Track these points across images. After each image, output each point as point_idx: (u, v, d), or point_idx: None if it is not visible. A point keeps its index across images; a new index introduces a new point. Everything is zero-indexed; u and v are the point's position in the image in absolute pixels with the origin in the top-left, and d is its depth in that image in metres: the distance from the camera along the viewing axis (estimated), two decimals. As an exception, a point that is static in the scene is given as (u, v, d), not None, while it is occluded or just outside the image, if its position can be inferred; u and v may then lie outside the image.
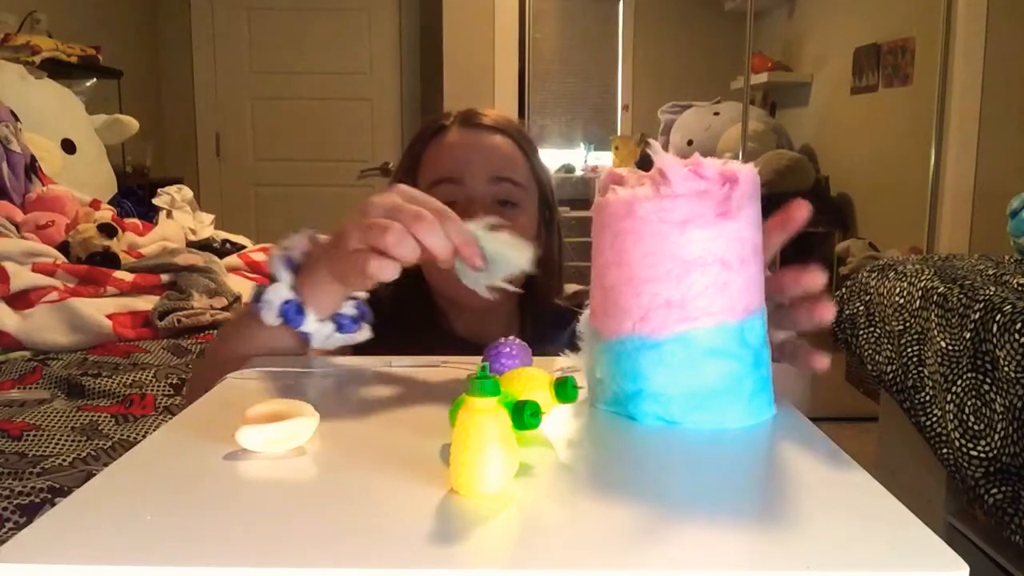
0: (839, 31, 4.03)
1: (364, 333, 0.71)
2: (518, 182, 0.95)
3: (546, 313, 1.00)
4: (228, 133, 4.04)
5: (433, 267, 0.85)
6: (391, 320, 0.94)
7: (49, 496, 0.81)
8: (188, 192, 2.35)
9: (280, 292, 0.67)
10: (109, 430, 1.09)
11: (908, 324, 1.59)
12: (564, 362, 0.63)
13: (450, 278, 0.89)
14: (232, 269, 1.88)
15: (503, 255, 0.64)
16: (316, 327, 0.67)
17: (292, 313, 0.66)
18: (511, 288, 0.66)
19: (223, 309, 1.63)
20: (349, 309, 0.70)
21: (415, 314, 0.97)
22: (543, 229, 1.01)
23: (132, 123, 2.64)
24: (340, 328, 0.68)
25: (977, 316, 1.37)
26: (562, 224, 1.04)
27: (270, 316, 0.66)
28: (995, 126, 3.16)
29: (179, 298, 1.61)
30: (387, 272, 0.61)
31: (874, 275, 1.80)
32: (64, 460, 0.97)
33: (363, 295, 0.72)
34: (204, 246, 2.04)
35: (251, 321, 0.69)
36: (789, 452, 0.50)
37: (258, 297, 0.67)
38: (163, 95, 4.00)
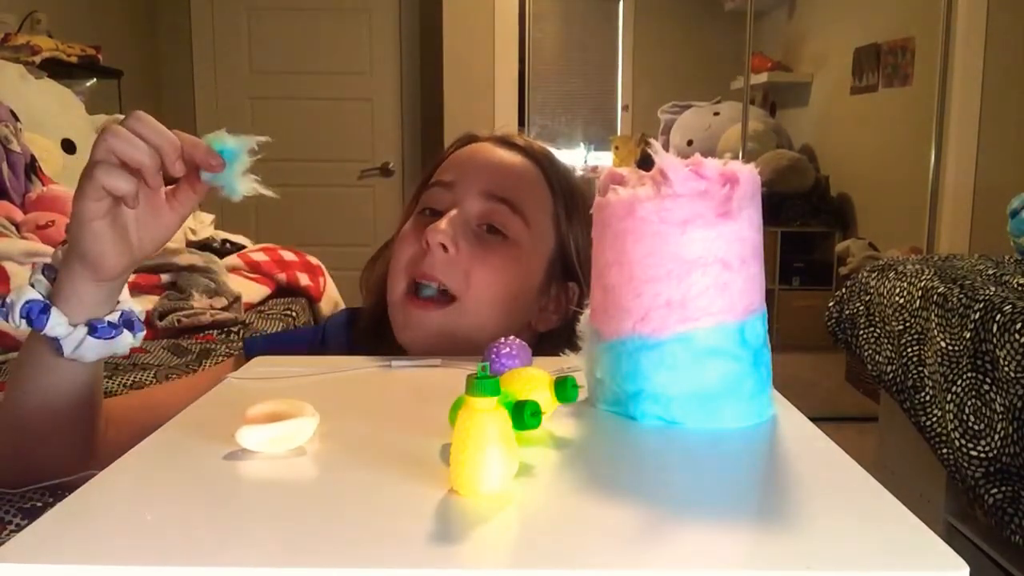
0: (839, 31, 4.03)
1: (126, 340, 0.64)
2: (518, 209, 0.78)
3: None
4: (228, 133, 4.03)
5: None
6: (365, 345, 0.84)
7: (51, 500, 0.81)
8: (188, 192, 2.34)
9: (24, 293, 0.61)
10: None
11: (908, 324, 1.59)
12: (564, 362, 0.63)
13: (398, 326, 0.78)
14: (232, 269, 1.88)
15: (234, 151, 0.64)
16: (65, 331, 0.60)
17: (35, 313, 0.60)
18: (264, 191, 0.66)
19: (223, 309, 1.62)
20: (112, 316, 0.64)
21: (389, 345, 0.82)
22: (549, 295, 0.82)
23: (132, 123, 2.63)
24: (94, 332, 0.62)
25: (977, 316, 1.37)
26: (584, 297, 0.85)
27: (13, 318, 0.60)
28: (995, 126, 3.15)
29: (179, 298, 1.61)
30: (119, 181, 0.58)
31: (874, 275, 1.80)
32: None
33: (136, 307, 0.67)
34: (204, 246, 2.03)
35: (28, 349, 0.64)
36: (789, 452, 0.50)
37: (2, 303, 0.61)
38: (163, 95, 4.00)
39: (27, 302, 0.60)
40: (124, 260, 0.63)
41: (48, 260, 0.64)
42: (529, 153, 0.82)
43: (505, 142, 0.83)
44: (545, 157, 0.83)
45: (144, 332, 0.67)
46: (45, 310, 0.60)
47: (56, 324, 0.60)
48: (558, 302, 0.83)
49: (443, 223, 0.76)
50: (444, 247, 0.75)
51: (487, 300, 0.76)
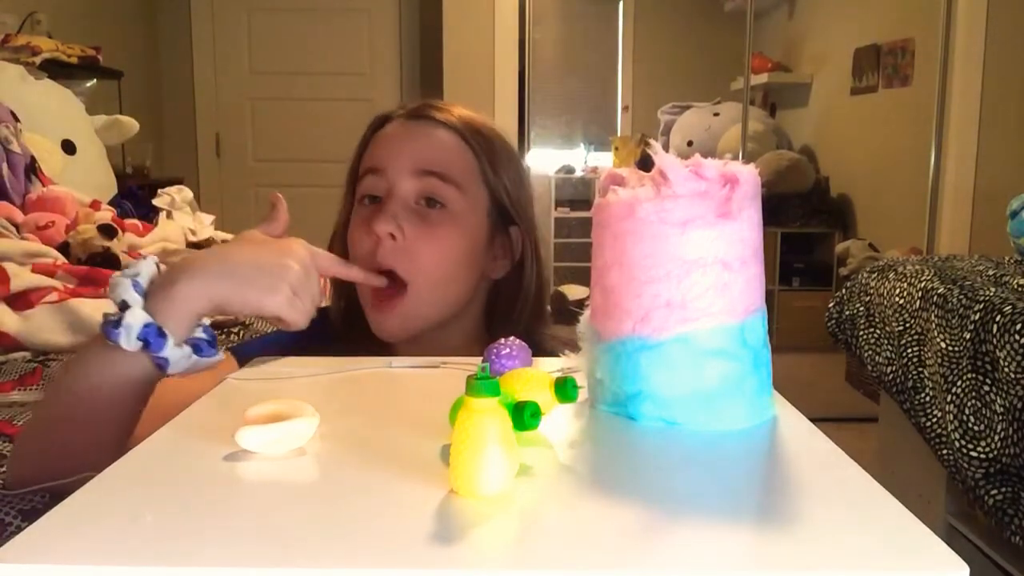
0: (839, 31, 4.03)
1: (220, 356, 0.68)
2: (449, 178, 0.84)
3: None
4: (228, 133, 4.04)
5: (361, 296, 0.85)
6: (341, 340, 0.88)
7: (52, 502, 0.81)
8: (188, 193, 2.34)
9: (138, 316, 0.63)
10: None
11: (908, 325, 1.59)
12: (564, 362, 0.63)
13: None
14: (232, 269, 1.88)
15: None
16: (174, 352, 0.64)
17: (153, 336, 0.62)
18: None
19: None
20: (200, 333, 0.68)
21: (363, 337, 0.87)
22: (495, 244, 0.89)
23: (132, 124, 2.63)
24: (198, 351, 0.66)
25: (977, 317, 1.37)
26: (540, 244, 0.91)
27: (129, 341, 0.62)
28: (995, 126, 3.15)
29: (179, 298, 1.61)
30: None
31: (874, 276, 1.80)
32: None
33: (207, 320, 0.70)
34: (204, 247, 2.03)
35: (102, 351, 0.65)
36: (789, 452, 0.50)
37: (116, 323, 0.63)
38: (163, 95, 4.00)
39: (145, 326, 0.62)
40: None
41: (137, 279, 0.65)
42: (444, 124, 0.87)
43: (420, 116, 0.88)
44: (460, 121, 0.88)
45: (218, 345, 0.70)
46: (161, 334, 0.63)
47: (170, 347, 0.64)
48: (504, 248, 0.90)
49: (387, 212, 0.82)
50: (392, 236, 0.82)
51: (440, 273, 0.83)
